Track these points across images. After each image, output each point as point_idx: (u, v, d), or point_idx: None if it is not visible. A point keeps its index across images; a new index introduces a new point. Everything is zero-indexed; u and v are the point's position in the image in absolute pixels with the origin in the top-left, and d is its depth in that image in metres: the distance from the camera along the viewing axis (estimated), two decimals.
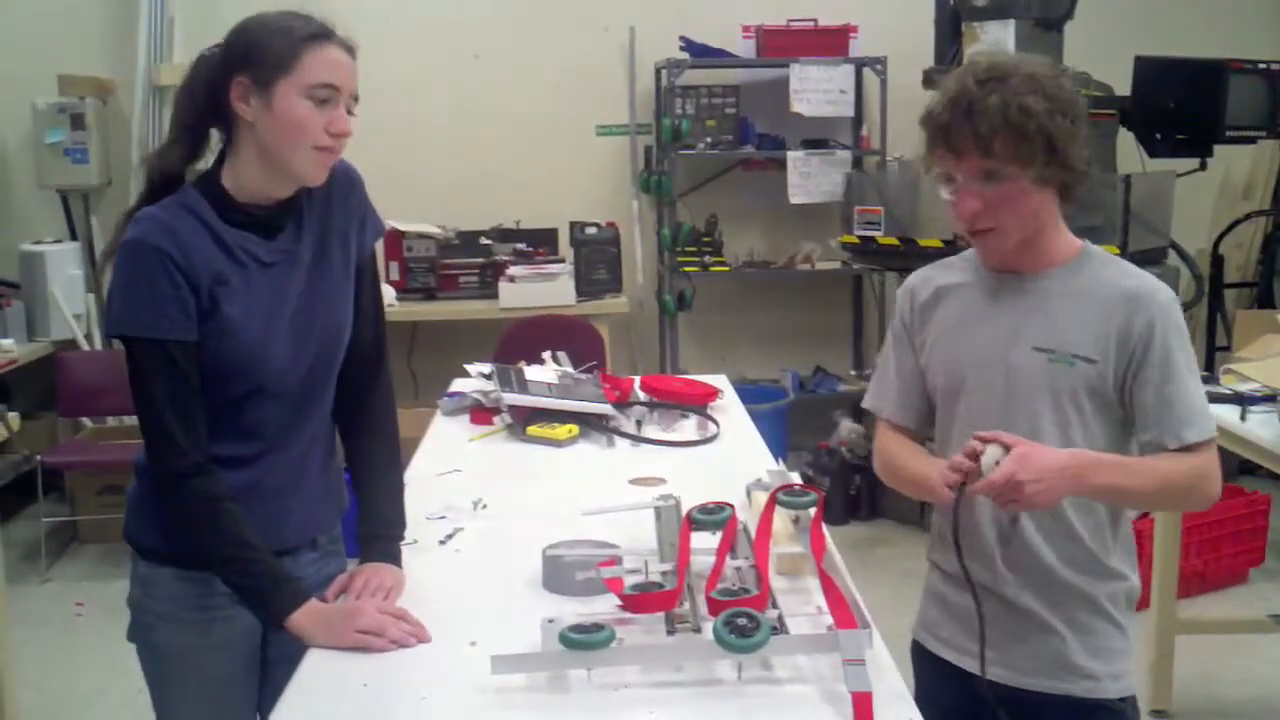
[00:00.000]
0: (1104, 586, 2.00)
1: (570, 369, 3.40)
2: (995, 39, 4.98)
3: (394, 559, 2.07)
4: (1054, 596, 1.99)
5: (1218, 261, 5.96)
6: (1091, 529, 1.99)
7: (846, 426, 5.81)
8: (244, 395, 1.95)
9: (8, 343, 5.29)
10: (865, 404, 2.24)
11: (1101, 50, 5.35)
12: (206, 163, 1.97)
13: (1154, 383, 1.91)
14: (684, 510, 2.10)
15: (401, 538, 2.12)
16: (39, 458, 5.16)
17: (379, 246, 2.17)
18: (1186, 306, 5.44)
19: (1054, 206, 1.95)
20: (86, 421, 5.71)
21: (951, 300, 2.09)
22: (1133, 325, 1.91)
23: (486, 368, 3.38)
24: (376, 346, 2.16)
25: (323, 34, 1.88)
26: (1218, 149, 5.38)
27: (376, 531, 2.09)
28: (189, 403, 1.89)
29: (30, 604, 4.58)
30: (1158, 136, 5.31)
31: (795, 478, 2.40)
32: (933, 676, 2.14)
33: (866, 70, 5.97)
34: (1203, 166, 5.37)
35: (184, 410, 1.89)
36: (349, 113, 1.91)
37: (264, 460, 2.01)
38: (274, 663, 2.08)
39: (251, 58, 1.86)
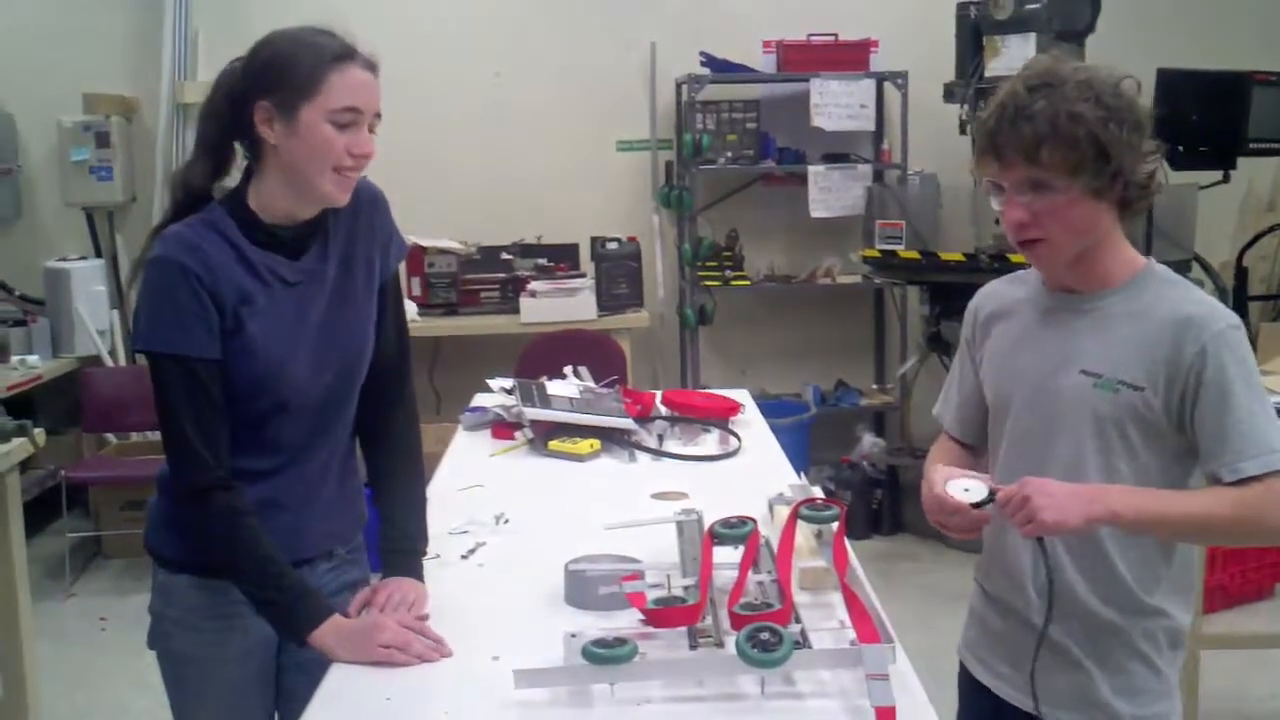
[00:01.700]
0: (1140, 624, 1.90)
1: (591, 384, 3.40)
2: (1017, 53, 4.97)
3: (416, 573, 2.07)
4: (1084, 631, 1.91)
5: (1241, 274, 5.91)
6: (1136, 563, 1.89)
7: (868, 441, 5.80)
8: (265, 411, 1.97)
9: (33, 359, 5.33)
10: (934, 411, 2.22)
11: (1123, 62, 5.15)
12: (233, 179, 1.98)
13: (1211, 414, 1.79)
14: (706, 525, 2.10)
15: (424, 552, 2.13)
16: (63, 473, 5.20)
17: (401, 264, 2.17)
18: None
19: (1111, 221, 1.85)
20: (110, 437, 5.74)
21: (1011, 317, 2.02)
22: (1184, 353, 1.79)
23: (508, 383, 3.39)
24: (400, 365, 2.17)
25: (346, 54, 1.88)
26: (1241, 161, 5.34)
27: (398, 546, 2.09)
28: (212, 419, 1.91)
29: (55, 619, 4.60)
30: (1180, 149, 5.27)
31: (817, 492, 2.40)
32: (969, 694, 2.12)
33: (887, 84, 5.97)
34: (1226, 179, 5.33)
35: (207, 426, 1.90)
36: (371, 131, 1.92)
37: (283, 474, 2.02)
38: (286, 669, 2.10)
39: (274, 81, 1.86)
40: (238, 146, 1.96)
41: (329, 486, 2.10)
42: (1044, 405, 1.93)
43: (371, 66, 1.91)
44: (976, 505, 1.79)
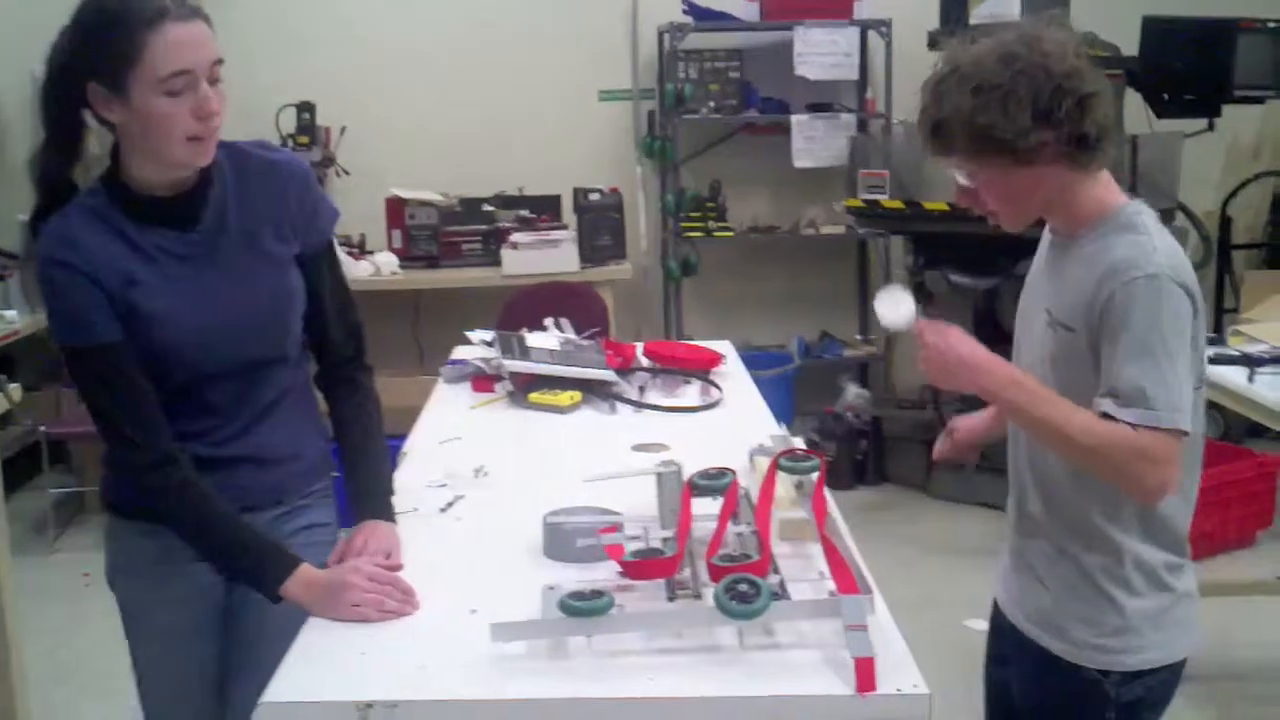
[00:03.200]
0: (1096, 558, 1.93)
1: (573, 335, 3.38)
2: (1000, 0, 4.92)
3: (389, 516, 2.07)
4: (1046, 553, 1.99)
5: (1226, 223, 5.91)
6: (1094, 495, 1.90)
7: (852, 391, 5.78)
8: (185, 382, 1.96)
9: (10, 314, 5.28)
10: None
11: (1108, 10, 5.28)
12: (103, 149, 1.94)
13: (1106, 353, 1.82)
14: (685, 476, 2.09)
15: (392, 493, 2.13)
16: (43, 429, 5.16)
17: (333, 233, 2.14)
18: (1195, 268, 5.42)
19: (1061, 176, 1.86)
20: None
21: (1035, 257, 2.09)
22: (1099, 297, 1.82)
23: (488, 335, 3.36)
24: (353, 335, 2.17)
25: (157, 13, 1.77)
26: (1226, 109, 5.32)
27: (367, 488, 2.09)
28: (135, 400, 1.91)
29: (39, 575, 4.58)
30: (1165, 97, 5.26)
31: (798, 442, 2.39)
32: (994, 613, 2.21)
33: (871, 33, 5.91)
34: (1211, 127, 5.31)
35: (133, 407, 1.91)
36: (214, 82, 1.83)
37: (219, 432, 2.02)
38: (239, 609, 2.09)
39: (94, 61, 1.80)
40: (88, 119, 1.89)
41: (270, 440, 2.08)
42: (1026, 342, 2.04)
43: (192, 13, 1.81)
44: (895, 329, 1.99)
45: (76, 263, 1.86)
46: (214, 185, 1.96)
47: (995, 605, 2.17)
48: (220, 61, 1.84)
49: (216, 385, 1.99)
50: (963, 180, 1.92)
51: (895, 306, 1.99)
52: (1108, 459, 1.80)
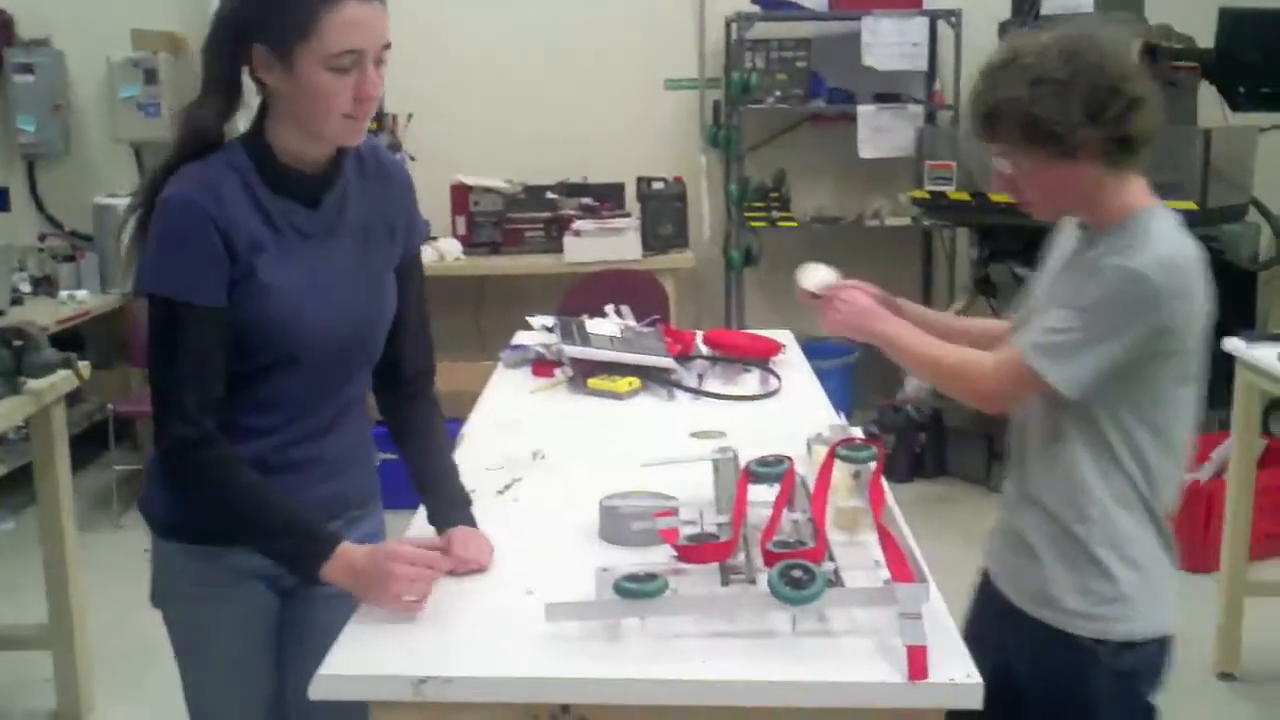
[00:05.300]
0: (1090, 529, 1.98)
1: (633, 323, 3.38)
2: None
3: (473, 523, 2.01)
4: (1042, 526, 2.03)
5: None
6: (1090, 464, 1.97)
7: (913, 384, 5.73)
8: (270, 365, 1.87)
9: (81, 294, 5.37)
10: None
11: (1185, 1, 5.20)
12: (243, 121, 1.90)
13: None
14: (742, 463, 2.08)
15: (470, 502, 2.07)
16: (110, 407, 5.25)
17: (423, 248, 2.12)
18: (1266, 265, 5.34)
19: (1097, 175, 1.92)
20: None
21: (1055, 249, 2.17)
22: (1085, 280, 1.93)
23: (549, 320, 3.38)
24: (429, 349, 2.13)
25: None
26: None
27: (454, 497, 2.04)
28: (211, 372, 1.82)
29: (103, 552, 4.65)
30: (1241, 90, 5.14)
31: (856, 432, 2.38)
32: (982, 585, 2.26)
33: (940, 23, 5.86)
34: None
35: (202, 377, 1.81)
36: (380, 65, 1.80)
37: (284, 432, 1.93)
38: (286, 645, 2.04)
39: (266, 25, 1.75)
40: (246, 81, 1.85)
41: (334, 449, 2.00)
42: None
43: None
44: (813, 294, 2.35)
45: (213, 211, 1.78)
46: (341, 172, 1.92)
47: (985, 579, 2.21)
48: (389, 46, 1.80)
49: (298, 376, 1.90)
50: (1003, 167, 1.98)
51: (815, 272, 2.38)
52: (964, 376, 2.04)
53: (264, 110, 1.86)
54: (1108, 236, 1.95)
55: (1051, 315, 1.93)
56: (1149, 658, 2.01)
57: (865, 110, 5.82)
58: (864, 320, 2.20)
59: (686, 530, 1.89)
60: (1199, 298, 1.91)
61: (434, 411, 2.14)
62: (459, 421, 2.71)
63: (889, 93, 5.91)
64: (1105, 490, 1.97)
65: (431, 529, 2.00)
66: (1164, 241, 1.90)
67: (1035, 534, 2.04)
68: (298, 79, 1.76)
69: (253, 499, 1.84)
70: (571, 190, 5.94)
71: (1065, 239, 2.11)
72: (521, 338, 3.44)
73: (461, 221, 5.79)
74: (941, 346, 2.11)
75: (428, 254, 5.50)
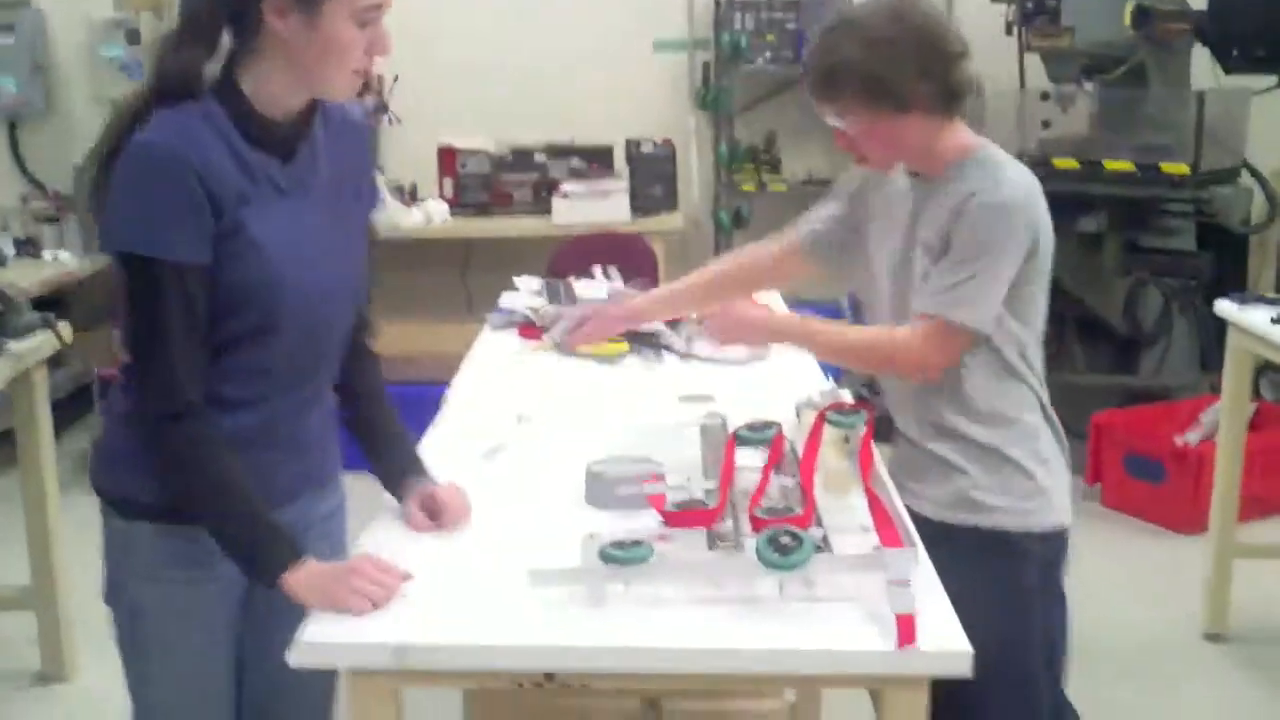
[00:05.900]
0: (1013, 441, 2.14)
1: (621, 284, 3.36)
2: None
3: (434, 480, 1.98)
4: (966, 449, 2.15)
5: None
6: (983, 387, 2.13)
7: None
8: (251, 330, 1.75)
9: (65, 255, 5.33)
10: None
11: None
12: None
13: (940, 264, 2.07)
14: (730, 428, 2.06)
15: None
16: (96, 370, 5.21)
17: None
18: (1258, 228, 5.32)
19: (929, 125, 2.09)
20: None
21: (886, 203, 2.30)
22: (952, 220, 2.06)
23: (536, 282, 3.35)
24: (368, 300, 2.02)
25: None
26: None
27: (414, 453, 2.01)
28: (194, 336, 1.69)
29: (85, 513, 4.60)
30: (1234, 52, 5.10)
31: (846, 396, 2.36)
32: None
33: None
34: None
35: (188, 345, 1.68)
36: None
37: (260, 406, 1.82)
38: (243, 639, 1.96)
39: None
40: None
41: (308, 425, 1.91)
42: (884, 284, 2.25)
43: None
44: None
45: (193, 160, 1.63)
46: (311, 123, 1.82)
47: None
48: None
49: (277, 343, 1.77)
50: (840, 124, 2.11)
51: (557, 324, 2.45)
52: (877, 352, 2.18)
53: (232, 59, 1.73)
54: (952, 173, 2.10)
55: (941, 272, 2.06)
56: (1062, 546, 2.20)
57: None
58: (749, 330, 2.38)
59: (674, 496, 1.87)
60: (1046, 210, 2.10)
61: (378, 367, 2.05)
62: (444, 385, 2.69)
63: None
64: (1010, 399, 2.14)
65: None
66: (1012, 172, 2.09)
67: (955, 454, 2.16)
68: (318, 28, 1.67)
69: (227, 482, 1.72)
70: (560, 152, 5.88)
71: (895, 192, 2.23)
72: (508, 299, 3.40)
73: (449, 183, 5.74)
74: (847, 334, 2.31)
75: (414, 216, 5.49)
